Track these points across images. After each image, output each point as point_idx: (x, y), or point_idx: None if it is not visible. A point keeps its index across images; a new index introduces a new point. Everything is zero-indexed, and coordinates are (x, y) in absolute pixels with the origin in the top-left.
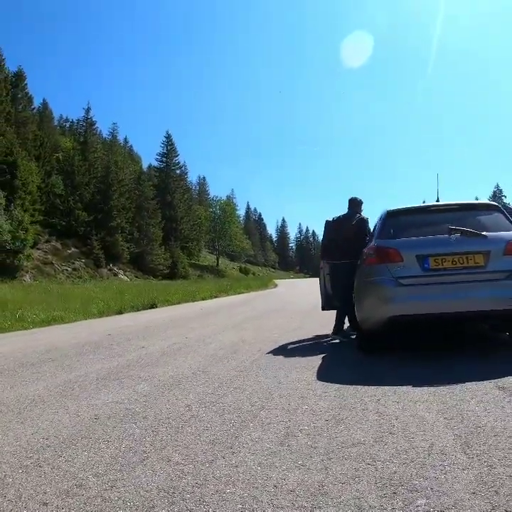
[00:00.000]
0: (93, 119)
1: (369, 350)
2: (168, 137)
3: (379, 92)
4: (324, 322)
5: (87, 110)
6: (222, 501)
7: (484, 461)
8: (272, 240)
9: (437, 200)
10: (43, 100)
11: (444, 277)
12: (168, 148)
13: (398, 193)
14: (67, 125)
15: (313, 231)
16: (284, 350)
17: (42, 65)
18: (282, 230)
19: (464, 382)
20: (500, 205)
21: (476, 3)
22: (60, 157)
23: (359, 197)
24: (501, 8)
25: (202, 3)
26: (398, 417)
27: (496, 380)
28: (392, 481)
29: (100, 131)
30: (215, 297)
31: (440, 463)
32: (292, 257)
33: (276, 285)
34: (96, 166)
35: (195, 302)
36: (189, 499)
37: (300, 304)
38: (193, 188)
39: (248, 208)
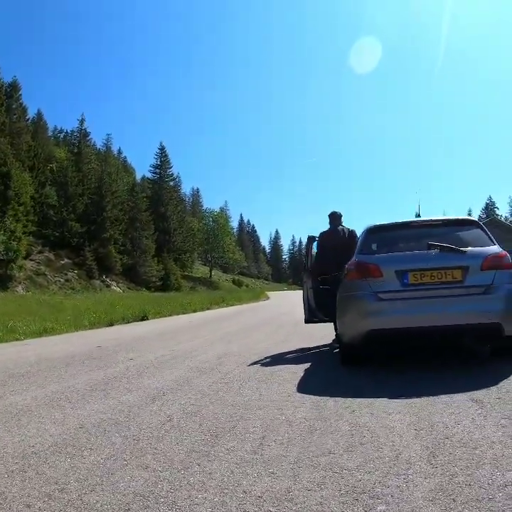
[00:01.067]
0: (87, 130)
1: (350, 362)
2: (162, 149)
3: (381, 102)
4: (308, 335)
5: (82, 121)
6: (193, 505)
7: (447, 471)
8: (266, 251)
9: (418, 216)
10: (38, 111)
11: (423, 292)
12: (162, 159)
13: (396, 206)
14: (62, 136)
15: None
16: (268, 363)
17: (37, 76)
18: (276, 242)
19: (439, 395)
20: (479, 221)
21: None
22: (54, 168)
23: (338, 211)
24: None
25: (201, 11)
26: (370, 428)
27: (470, 393)
28: (356, 489)
29: (94, 142)
30: (207, 309)
31: (404, 472)
32: (285, 269)
33: (268, 297)
34: (90, 177)
35: (187, 314)
36: (162, 503)
37: (289, 317)
38: (187, 199)
39: (241, 219)
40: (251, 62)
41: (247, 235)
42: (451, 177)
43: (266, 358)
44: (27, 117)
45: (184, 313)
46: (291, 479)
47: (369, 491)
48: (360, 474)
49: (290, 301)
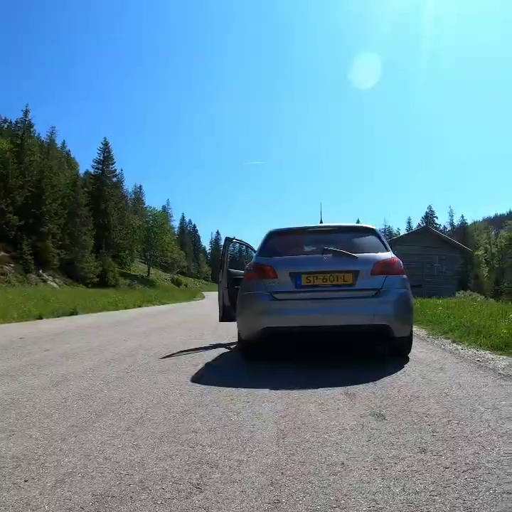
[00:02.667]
0: (31, 122)
1: (249, 358)
2: (106, 144)
3: (319, 108)
4: (225, 332)
5: (26, 112)
6: (58, 466)
7: (289, 450)
8: (206, 252)
9: (321, 222)
10: None
11: (315, 293)
12: (105, 155)
13: (340, 215)
14: (5, 126)
15: (250, 245)
16: (176, 356)
17: None
18: (216, 243)
19: (318, 388)
20: (375, 228)
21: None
22: None
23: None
24: None
25: (177, 13)
26: (240, 414)
27: (348, 387)
28: (202, 460)
29: (39, 134)
30: (139, 307)
31: (251, 449)
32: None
33: (203, 297)
34: (31, 170)
35: (118, 311)
36: (34, 463)
37: (213, 316)
38: (129, 196)
39: (183, 219)
40: (207, 59)
41: (188, 234)
42: (396, 187)
43: (176, 352)
44: None
45: (115, 310)
46: (150, 450)
47: (212, 462)
48: (211, 449)
49: None
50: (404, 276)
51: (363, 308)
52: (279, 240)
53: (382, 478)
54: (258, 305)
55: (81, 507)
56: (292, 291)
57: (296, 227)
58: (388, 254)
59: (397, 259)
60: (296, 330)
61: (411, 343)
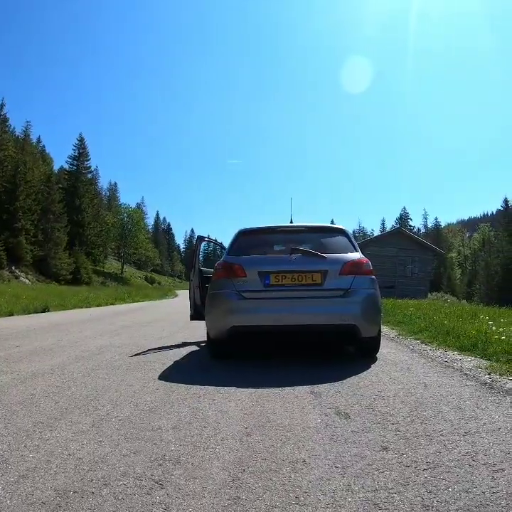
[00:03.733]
0: (6, 116)
1: (218, 356)
2: (81, 140)
3: (302, 108)
4: (196, 331)
5: (1, 106)
6: (22, 462)
7: (252, 447)
8: (180, 250)
9: (291, 222)
10: None
11: (283, 292)
12: (80, 151)
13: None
14: None
15: (222, 244)
16: (145, 354)
17: None
18: (190, 241)
19: (285, 386)
20: (345, 229)
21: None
22: None
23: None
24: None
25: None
26: (205, 411)
27: (315, 386)
28: (165, 457)
29: (14, 128)
30: (111, 304)
31: (214, 446)
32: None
33: (176, 295)
34: (5, 165)
35: (90, 308)
36: None
37: (185, 314)
38: (104, 193)
39: (157, 217)
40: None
41: (162, 232)
42: (372, 188)
43: (146, 350)
44: None
45: (87, 307)
46: (114, 447)
47: (175, 459)
48: (174, 446)
49: None
50: (373, 276)
51: (331, 308)
52: (248, 239)
53: (343, 476)
54: (226, 304)
55: (43, 502)
56: (261, 290)
57: (266, 227)
58: (357, 255)
59: (365, 259)
60: (264, 329)
61: (379, 343)
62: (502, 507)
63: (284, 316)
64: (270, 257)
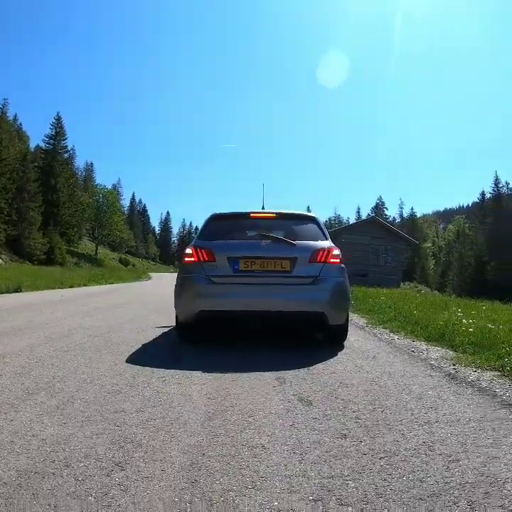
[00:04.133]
0: None
1: (187, 340)
2: (58, 119)
3: (279, 98)
4: (167, 313)
5: None
6: None
7: (213, 432)
8: (155, 233)
9: (263, 208)
10: None
11: (252, 278)
12: (57, 130)
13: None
14: None
15: (196, 228)
16: (115, 337)
17: None
18: (166, 224)
19: (251, 372)
20: (316, 217)
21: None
22: None
23: None
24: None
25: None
26: (169, 394)
27: (280, 372)
28: (127, 439)
29: None
30: (84, 286)
31: (176, 430)
32: (174, 251)
33: (149, 278)
34: None
35: (63, 289)
36: None
37: (158, 296)
38: (80, 173)
39: (133, 198)
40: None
41: (137, 214)
42: (348, 176)
43: (116, 332)
44: None
45: (60, 288)
46: (77, 428)
47: (136, 441)
48: (137, 429)
49: (168, 282)
50: (342, 265)
51: (299, 295)
52: (219, 224)
53: (300, 462)
54: (195, 288)
55: (4, 482)
56: (229, 275)
57: (237, 212)
58: (327, 243)
59: (335, 247)
60: (232, 314)
61: (346, 331)
62: (454, 497)
63: (253, 301)
64: (240, 242)
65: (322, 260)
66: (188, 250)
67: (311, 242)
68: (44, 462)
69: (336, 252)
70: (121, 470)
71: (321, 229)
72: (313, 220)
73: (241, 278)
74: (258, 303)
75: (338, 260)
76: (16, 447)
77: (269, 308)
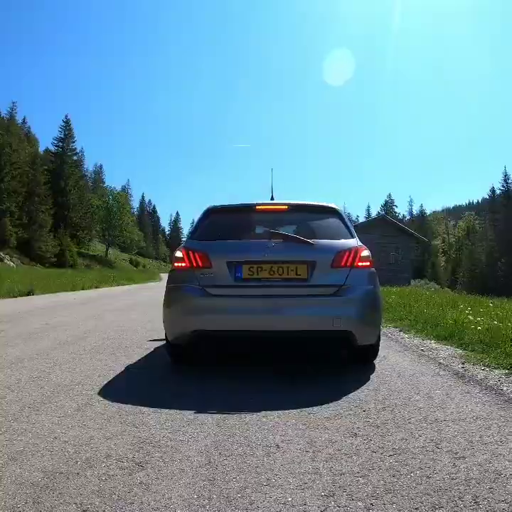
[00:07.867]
0: None
1: (179, 361)
2: (67, 122)
3: (288, 97)
4: None
5: None
6: (10, 445)
7: (228, 433)
8: (165, 233)
9: (272, 199)
10: None
11: (259, 289)
12: (66, 133)
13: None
14: None
15: None
16: (127, 340)
17: None
18: (176, 224)
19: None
20: (338, 209)
21: None
22: None
23: None
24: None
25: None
26: (188, 394)
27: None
28: (146, 441)
29: None
30: (96, 288)
31: (192, 431)
32: None
33: (160, 279)
34: None
35: (75, 292)
36: None
37: None
38: (89, 175)
39: (143, 199)
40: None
41: (147, 215)
42: (359, 174)
43: (131, 334)
44: None
45: (72, 291)
46: (97, 430)
47: (155, 442)
48: (155, 430)
49: None
50: (373, 269)
51: (319, 310)
52: (218, 220)
53: (313, 460)
54: (186, 301)
55: (31, 483)
56: (230, 285)
57: (240, 205)
58: (353, 242)
59: (364, 247)
60: (234, 335)
61: (377, 352)
62: (460, 492)
63: (259, 319)
64: (243, 242)
65: (348, 264)
66: (178, 253)
67: (334, 241)
68: (67, 463)
69: (366, 253)
70: (142, 469)
71: (345, 224)
72: (335, 212)
73: (244, 289)
74: (267, 321)
75: (369, 263)
76: (40, 449)
77: (281, 327)
